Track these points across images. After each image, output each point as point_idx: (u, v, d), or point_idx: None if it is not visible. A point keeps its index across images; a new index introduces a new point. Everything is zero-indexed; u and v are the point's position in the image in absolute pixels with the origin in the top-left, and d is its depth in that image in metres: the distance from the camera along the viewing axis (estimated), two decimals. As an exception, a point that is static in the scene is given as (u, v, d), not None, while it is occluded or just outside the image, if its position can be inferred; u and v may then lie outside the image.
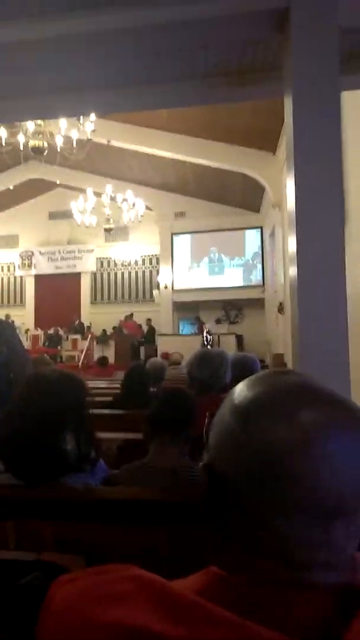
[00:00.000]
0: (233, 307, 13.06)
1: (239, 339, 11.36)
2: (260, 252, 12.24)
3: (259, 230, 12.16)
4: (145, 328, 12.56)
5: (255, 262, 12.45)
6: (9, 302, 14.61)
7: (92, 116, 6.70)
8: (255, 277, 12.43)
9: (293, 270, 1.75)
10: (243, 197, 11.27)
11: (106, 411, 2.67)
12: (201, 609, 0.42)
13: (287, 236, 1.86)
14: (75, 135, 7.23)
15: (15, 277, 14.74)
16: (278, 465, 0.45)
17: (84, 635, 0.43)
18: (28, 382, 1.35)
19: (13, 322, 12.41)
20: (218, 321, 12.15)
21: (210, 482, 0.50)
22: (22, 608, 1.04)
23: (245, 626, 0.40)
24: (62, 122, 7.00)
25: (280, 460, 0.45)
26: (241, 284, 12.53)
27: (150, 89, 3.16)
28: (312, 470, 0.44)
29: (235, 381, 2.63)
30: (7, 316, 13.25)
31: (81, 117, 6.61)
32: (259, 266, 12.33)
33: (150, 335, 12.14)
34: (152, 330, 12.28)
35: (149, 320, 12.53)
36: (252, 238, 12.44)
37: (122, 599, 0.44)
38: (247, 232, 12.43)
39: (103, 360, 7.72)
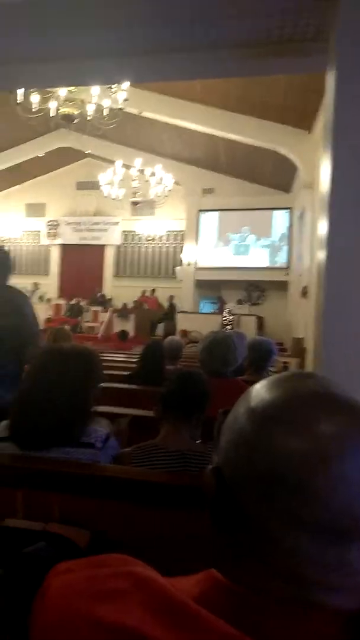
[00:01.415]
0: (256, 289, 12.86)
1: (260, 320, 11.24)
2: (288, 234, 11.94)
3: (288, 211, 11.80)
4: (166, 305, 12.55)
5: (281, 244, 12.15)
6: (34, 271, 14.76)
7: (125, 85, 6.53)
8: (281, 259, 12.13)
9: (322, 254, 1.68)
10: (274, 176, 10.94)
11: (121, 386, 2.69)
12: (200, 619, 0.40)
13: (317, 219, 1.78)
14: (107, 103, 7.08)
15: (40, 246, 14.84)
16: (292, 479, 0.42)
17: (74, 631, 0.42)
18: (43, 353, 1.38)
19: (39, 288, 12.63)
20: (240, 302, 12.01)
21: (218, 486, 0.48)
22: (26, 576, 1.06)
23: None
24: (95, 89, 6.85)
25: (296, 474, 0.42)
26: (266, 265, 12.27)
27: (184, 57, 3.03)
28: (329, 487, 0.41)
29: (251, 364, 2.60)
30: (36, 285, 13.48)
31: (114, 85, 6.45)
32: (285, 248, 12.02)
33: (170, 312, 12.14)
34: (172, 307, 12.26)
35: (171, 297, 12.49)
36: (280, 219, 12.09)
37: (117, 596, 0.43)
38: (276, 212, 12.08)
39: (123, 334, 7.75)
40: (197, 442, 1.45)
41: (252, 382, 1.81)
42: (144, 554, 0.51)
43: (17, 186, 14.52)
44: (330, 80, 1.83)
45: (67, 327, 6.60)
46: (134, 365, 3.58)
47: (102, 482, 1.17)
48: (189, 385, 1.44)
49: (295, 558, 0.42)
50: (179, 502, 1.14)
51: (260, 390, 0.49)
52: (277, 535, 0.43)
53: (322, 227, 1.70)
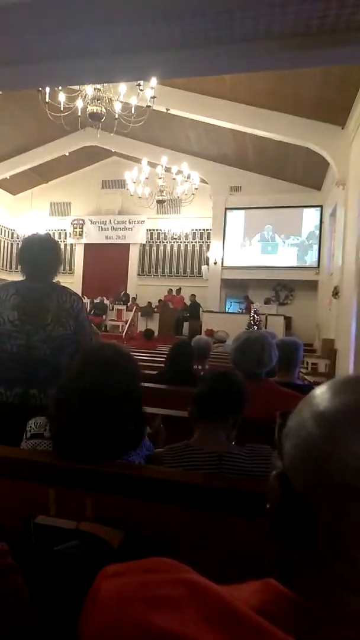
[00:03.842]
0: (284, 288, 12.70)
1: (288, 320, 11.08)
2: (318, 233, 11.73)
3: (319, 209, 11.61)
4: (188, 303, 12.52)
5: (311, 243, 11.96)
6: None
7: (153, 81, 6.51)
8: (311, 258, 11.96)
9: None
10: (304, 173, 10.77)
11: (150, 385, 2.65)
12: (265, 633, 0.38)
13: (351, 216, 1.68)
14: (134, 101, 7.08)
15: (65, 245, 15.00)
16: None
17: (127, 638, 0.41)
18: (83, 358, 1.26)
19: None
20: (267, 301, 11.86)
21: (284, 494, 0.45)
22: (60, 574, 1.03)
23: None
24: (122, 87, 6.86)
25: None
26: (295, 264, 12.11)
27: (217, 50, 2.96)
28: None
29: (281, 365, 2.50)
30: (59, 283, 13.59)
31: (141, 82, 6.43)
32: (315, 247, 11.84)
33: (194, 311, 12.08)
34: (195, 306, 12.21)
35: (192, 295, 12.46)
36: (310, 217, 11.92)
37: (173, 604, 0.41)
38: (306, 210, 11.91)
39: (149, 332, 7.74)
40: (233, 443, 1.40)
41: (284, 384, 1.74)
42: (178, 556, 0.49)
43: (43, 185, 14.74)
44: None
45: (93, 326, 6.61)
46: (159, 365, 3.56)
47: (137, 482, 1.14)
48: (225, 386, 1.39)
49: None
50: (215, 504, 1.10)
51: (326, 394, 0.45)
52: (348, 549, 0.40)
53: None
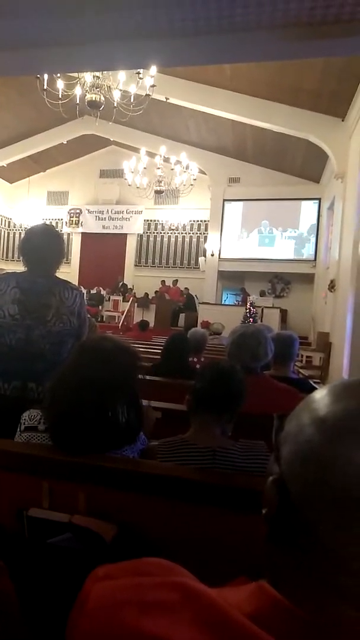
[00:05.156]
0: (280, 281, 12.70)
1: (283, 313, 11.09)
2: (316, 225, 11.70)
3: (317, 202, 11.56)
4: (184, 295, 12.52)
5: (309, 236, 11.93)
6: (55, 258, 14.84)
7: (153, 70, 6.41)
8: (308, 252, 11.94)
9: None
10: (303, 165, 10.70)
11: (146, 377, 2.64)
12: None
13: (348, 209, 1.67)
14: (133, 90, 6.98)
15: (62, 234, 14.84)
16: None
17: None
18: (80, 351, 1.26)
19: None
20: (263, 294, 11.86)
21: (280, 500, 0.43)
22: (51, 567, 1.03)
23: None
24: (121, 75, 6.76)
25: None
26: (292, 257, 12.08)
27: (219, 40, 2.92)
28: None
29: (276, 359, 2.50)
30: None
31: (141, 70, 6.34)
32: (313, 240, 11.81)
33: (190, 303, 12.08)
34: (191, 298, 12.20)
35: (186, 289, 12.49)
36: (308, 210, 11.87)
37: (166, 609, 0.40)
38: (304, 203, 11.86)
39: (144, 324, 7.72)
40: (229, 435, 1.39)
41: (279, 378, 1.74)
42: (170, 550, 0.48)
43: (40, 173, 14.58)
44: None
45: (91, 318, 6.59)
46: (154, 356, 3.55)
47: (131, 476, 1.14)
48: (226, 383, 1.35)
49: None
50: (207, 499, 1.10)
51: (327, 398, 0.44)
52: (350, 560, 0.38)
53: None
